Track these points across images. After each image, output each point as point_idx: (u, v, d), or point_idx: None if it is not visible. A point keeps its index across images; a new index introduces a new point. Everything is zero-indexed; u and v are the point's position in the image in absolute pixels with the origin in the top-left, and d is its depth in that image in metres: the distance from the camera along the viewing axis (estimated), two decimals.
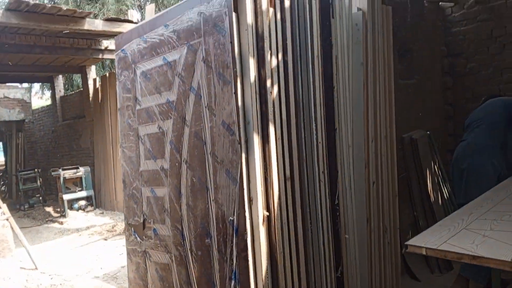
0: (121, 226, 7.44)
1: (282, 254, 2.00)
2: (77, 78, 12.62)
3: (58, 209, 8.94)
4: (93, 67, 9.71)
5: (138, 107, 2.76)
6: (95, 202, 9.12)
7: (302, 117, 2.16)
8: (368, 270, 2.56)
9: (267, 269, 1.96)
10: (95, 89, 9.30)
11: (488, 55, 4.15)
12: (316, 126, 2.22)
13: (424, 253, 1.66)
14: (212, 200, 2.18)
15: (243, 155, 1.98)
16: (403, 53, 3.70)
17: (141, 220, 2.76)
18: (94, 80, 9.46)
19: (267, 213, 1.98)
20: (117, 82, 2.96)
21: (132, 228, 2.85)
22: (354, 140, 2.48)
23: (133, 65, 2.76)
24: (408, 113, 3.69)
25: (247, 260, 1.95)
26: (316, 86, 2.26)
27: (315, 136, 2.20)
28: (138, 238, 2.78)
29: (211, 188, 2.20)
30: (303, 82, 2.22)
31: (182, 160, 2.43)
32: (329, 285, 2.25)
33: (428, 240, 1.73)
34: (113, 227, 7.40)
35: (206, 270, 2.23)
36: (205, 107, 2.21)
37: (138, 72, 2.73)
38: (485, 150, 3.07)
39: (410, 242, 1.74)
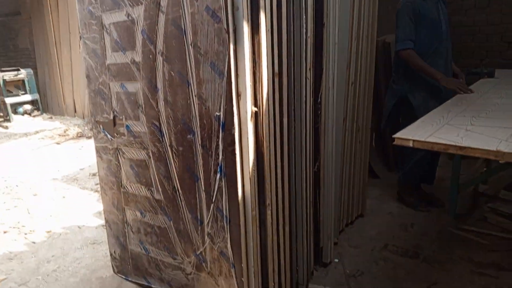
0: (73, 130, 7.13)
1: (268, 149, 2.00)
2: None
3: (1, 114, 8.34)
4: None
5: None
6: (42, 106, 8.57)
7: (292, 7, 2.02)
8: (341, 167, 2.68)
9: (253, 162, 1.97)
10: None
11: None
12: (306, 18, 2.09)
13: (411, 145, 1.73)
14: (195, 96, 2.08)
15: (231, 46, 1.84)
16: None
17: (111, 117, 2.62)
18: None
19: (256, 109, 1.93)
20: None
21: (101, 126, 2.70)
22: (339, 38, 2.40)
23: None
24: (381, 18, 3.61)
25: (234, 154, 1.93)
26: None
27: (304, 30, 2.09)
28: (109, 136, 2.66)
29: (193, 83, 2.07)
30: None
31: (157, 52, 2.24)
32: (308, 178, 2.33)
33: (414, 133, 1.79)
34: (65, 132, 7.07)
35: (188, 165, 2.20)
36: None
37: None
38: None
39: (397, 135, 1.79)
